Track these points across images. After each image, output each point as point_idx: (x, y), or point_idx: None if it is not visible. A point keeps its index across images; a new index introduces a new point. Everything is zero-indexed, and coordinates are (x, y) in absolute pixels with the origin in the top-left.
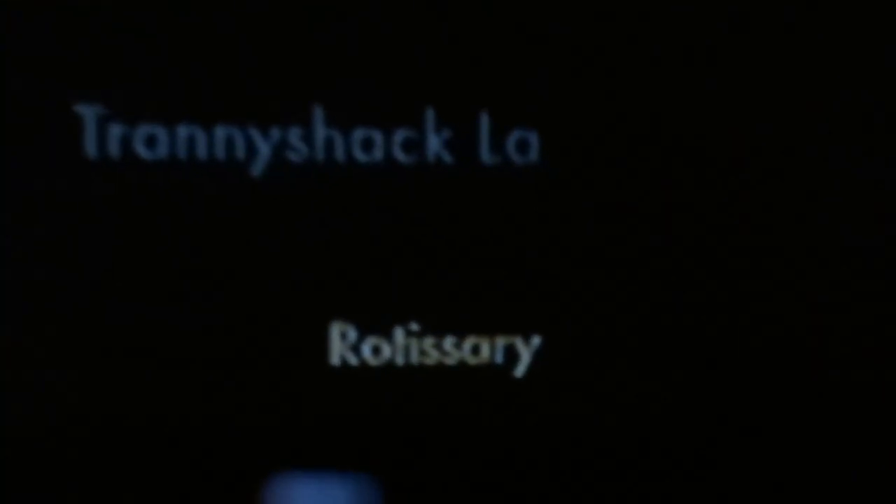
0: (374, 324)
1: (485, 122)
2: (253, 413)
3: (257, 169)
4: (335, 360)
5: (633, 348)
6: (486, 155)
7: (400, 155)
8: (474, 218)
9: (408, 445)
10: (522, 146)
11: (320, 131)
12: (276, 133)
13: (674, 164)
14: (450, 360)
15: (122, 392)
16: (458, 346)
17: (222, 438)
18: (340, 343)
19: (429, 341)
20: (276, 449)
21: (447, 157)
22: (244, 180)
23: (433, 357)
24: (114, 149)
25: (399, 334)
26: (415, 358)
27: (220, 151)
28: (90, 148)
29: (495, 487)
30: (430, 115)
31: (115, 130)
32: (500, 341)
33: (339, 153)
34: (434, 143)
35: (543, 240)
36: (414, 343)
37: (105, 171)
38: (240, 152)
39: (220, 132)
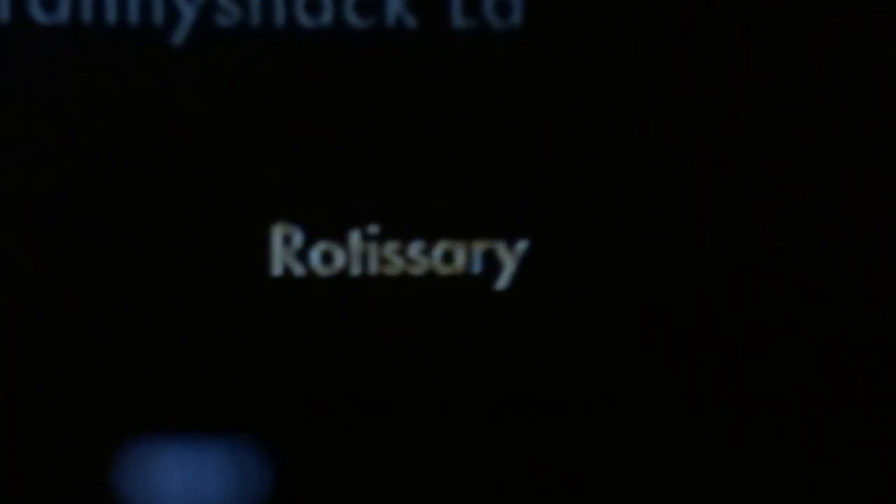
0: (325, 226)
1: None
2: (175, 336)
3: (178, 36)
4: (276, 269)
5: (637, 254)
6: (457, 18)
7: (353, 18)
8: (443, 95)
9: (360, 376)
10: (502, 8)
11: None
12: None
13: (675, 35)
14: (416, 270)
15: None
16: (426, 252)
17: (139, 365)
18: (283, 249)
19: (391, 247)
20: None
21: (410, 21)
22: (162, 50)
23: (396, 266)
24: (3, 12)
25: (355, 238)
26: (373, 267)
27: (133, 15)
28: None
29: (472, 431)
30: None
31: None
32: (478, 247)
33: (279, 16)
34: (395, 4)
35: (528, 120)
36: (373, 249)
37: None
38: (157, 16)
39: None
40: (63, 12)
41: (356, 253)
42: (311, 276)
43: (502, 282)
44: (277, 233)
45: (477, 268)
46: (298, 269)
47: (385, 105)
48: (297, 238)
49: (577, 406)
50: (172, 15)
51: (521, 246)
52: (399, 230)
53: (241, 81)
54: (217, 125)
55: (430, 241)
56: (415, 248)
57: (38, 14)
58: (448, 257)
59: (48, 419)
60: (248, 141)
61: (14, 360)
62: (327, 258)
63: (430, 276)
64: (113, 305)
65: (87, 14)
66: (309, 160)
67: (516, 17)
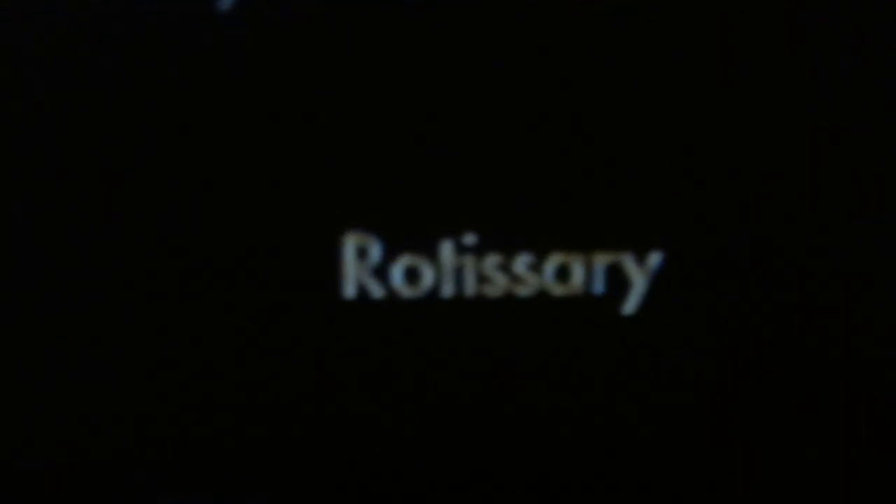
0: (409, 236)
1: None
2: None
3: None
4: (349, 289)
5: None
6: None
7: None
8: (563, 75)
9: (455, 423)
10: None
11: None
12: None
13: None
14: (524, 290)
15: None
16: (535, 267)
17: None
18: (358, 264)
19: (491, 261)
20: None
21: None
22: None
23: (498, 285)
24: None
25: (447, 251)
26: (470, 287)
27: None
28: None
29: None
30: None
31: None
32: (600, 260)
33: None
34: None
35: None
36: (469, 264)
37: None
38: None
39: None
40: None
41: (448, 269)
42: (393, 297)
43: (630, 303)
44: (350, 245)
45: (599, 286)
46: (376, 290)
47: (489, 88)
48: (375, 251)
49: (718, 461)
50: None
51: (654, 259)
52: (501, 241)
53: (306, 55)
54: (278, 110)
55: (541, 253)
56: (521, 263)
57: None
58: (563, 273)
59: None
60: (318, 133)
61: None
62: (412, 276)
63: (541, 297)
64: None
65: None
66: (387, 154)
67: None
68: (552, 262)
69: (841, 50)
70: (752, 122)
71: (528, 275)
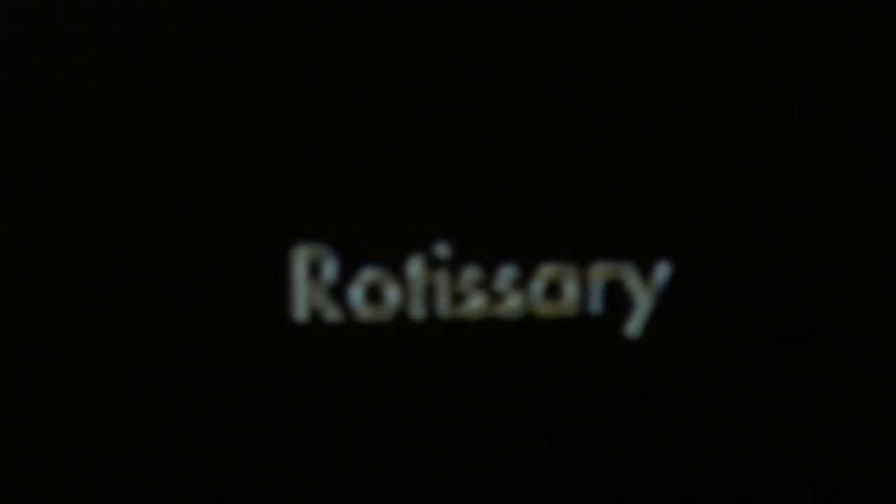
0: (371, 248)
1: None
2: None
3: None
4: (301, 312)
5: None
6: None
7: None
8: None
9: (426, 467)
10: None
11: None
12: None
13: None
14: (507, 311)
15: None
16: (521, 283)
17: None
18: (310, 283)
19: (469, 277)
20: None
21: None
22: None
23: (476, 305)
24: None
25: (415, 266)
26: (443, 307)
27: None
28: None
29: None
30: None
31: None
32: (597, 274)
33: None
34: None
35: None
36: (442, 280)
37: None
38: None
39: None
40: None
41: (417, 287)
42: (351, 321)
43: (633, 326)
44: (301, 260)
45: (596, 305)
46: (332, 312)
47: (454, 78)
48: (330, 267)
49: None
50: None
51: (662, 272)
52: (480, 252)
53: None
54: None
55: (527, 267)
56: (504, 278)
57: None
58: (552, 290)
59: None
60: (256, 132)
61: None
62: (374, 295)
63: (528, 318)
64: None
65: None
66: (344, 155)
67: None
68: (540, 277)
69: (845, 62)
70: (768, 118)
71: (512, 292)
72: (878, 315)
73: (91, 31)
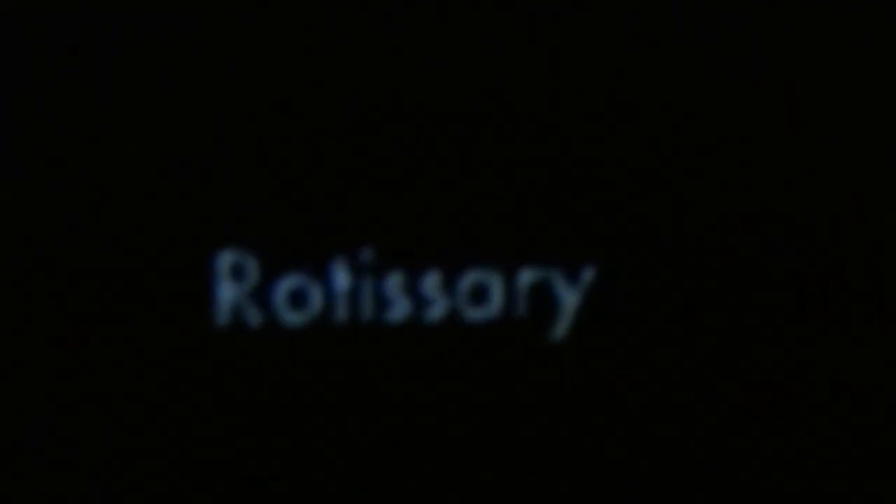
0: (293, 252)
1: None
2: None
3: None
4: (223, 316)
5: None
6: None
7: None
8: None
9: (348, 473)
10: None
11: None
12: None
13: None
14: (431, 314)
15: None
16: (446, 287)
17: None
18: (232, 286)
19: (393, 281)
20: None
21: None
22: None
23: (401, 309)
24: None
25: (339, 270)
26: (367, 311)
27: None
28: None
29: None
30: None
31: None
32: (523, 278)
33: None
34: None
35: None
36: (366, 285)
37: None
38: None
39: None
40: None
41: (341, 291)
42: (274, 325)
43: (559, 329)
44: (223, 263)
45: (522, 309)
46: (254, 316)
47: (375, 79)
48: (253, 271)
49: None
50: None
51: (587, 275)
52: (404, 256)
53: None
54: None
55: (452, 271)
56: (429, 283)
57: None
58: (479, 293)
59: None
60: (176, 134)
61: None
62: (298, 299)
63: (453, 322)
64: None
65: None
66: (267, 157)
67: None
68: (466, 281)
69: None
70: (697, 115)
71: (437, 296)
72: (803, 314)
73: None
